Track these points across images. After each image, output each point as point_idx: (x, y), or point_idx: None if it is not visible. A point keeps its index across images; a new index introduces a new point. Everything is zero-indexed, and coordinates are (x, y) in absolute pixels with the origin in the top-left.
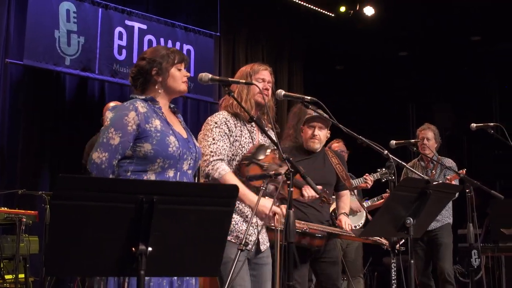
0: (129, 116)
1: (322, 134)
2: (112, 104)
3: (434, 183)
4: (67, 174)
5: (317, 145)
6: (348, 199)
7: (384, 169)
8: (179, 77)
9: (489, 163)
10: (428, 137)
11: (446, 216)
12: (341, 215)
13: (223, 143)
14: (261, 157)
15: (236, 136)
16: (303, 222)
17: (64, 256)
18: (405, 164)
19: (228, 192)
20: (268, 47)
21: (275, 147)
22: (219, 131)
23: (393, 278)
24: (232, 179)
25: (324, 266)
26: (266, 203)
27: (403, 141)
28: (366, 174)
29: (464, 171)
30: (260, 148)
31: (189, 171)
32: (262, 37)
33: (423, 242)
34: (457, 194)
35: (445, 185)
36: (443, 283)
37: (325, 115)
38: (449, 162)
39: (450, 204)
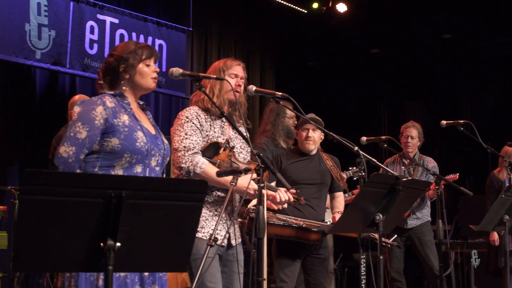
0: (96, 111)
1: (316, 135)
2: (77, 97)
3: (403, 179)
4: (34, 169)
5: (312, 146)
6: (342, 200)
7: (355, 168)
8: (147, 74)
9: (459, 160)
10: (412, 135)
11: (425, 214)
12: (335, 213)
13: (196, 137)
14: (212, 154)
15: (207, 131)
16: (299, 219)
17: (31, 252)
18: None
19: (197, 187)
20: (240, 42)
21: (232, 146)
22: (191, 126)
23: (363, 274)
24: (214, 170)
25: (315, 262)
26: (244, 181)
27: (373, 137)
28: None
29: (457, 176)
30: (213, 145)
31: (157, 168)
32: (234, 33)
33: (402, 239)
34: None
35: (414, 181)
36: (434, 279)
37: (316, 117)
38: (431, 161)
39: (428, 202)
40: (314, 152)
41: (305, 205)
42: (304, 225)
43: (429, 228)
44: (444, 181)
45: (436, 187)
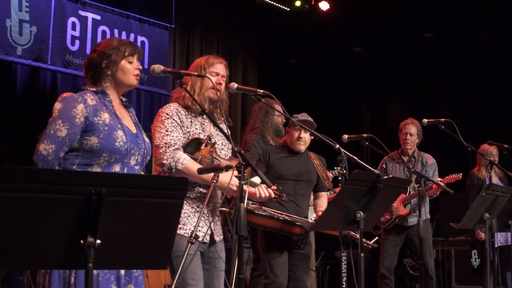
0: (77, 108)
1: (307, 136)
2: (66, 95)
3: (384, 177)
4: (11, 165)
5: (302, 147)
6: (326, 199)
7: (339, 167)
8: (129, 70)
9: (440, 158)
10: (412, 132)
11: (425, 211)
12: (319, 211)
13: (177, 134)
14: (193, 150)
15: (187, 128)
16: (283, 213)
17: (10, 249)
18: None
19: (178, 184)
20: (223, 40)
21: (214, 142)
22: (171, 122)
23: (344, 271)
24: (196, 166)
25: (297, 257)
26: (226, 177)
27: (355, 135)
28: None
29: (460, 176)
30: (194, 141)
31: (137, 167)
32: (217, 30)
33: (400, 237)
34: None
35: (395, 179)
36: (426, 278)
37: (309, 118)
38: (430, 158)
39: (428, 200)
40: (302, 150)
41: (289, 201)
42: (288, 219)
43: (428, 226)
44: (426, 179)
45: (417, 184)
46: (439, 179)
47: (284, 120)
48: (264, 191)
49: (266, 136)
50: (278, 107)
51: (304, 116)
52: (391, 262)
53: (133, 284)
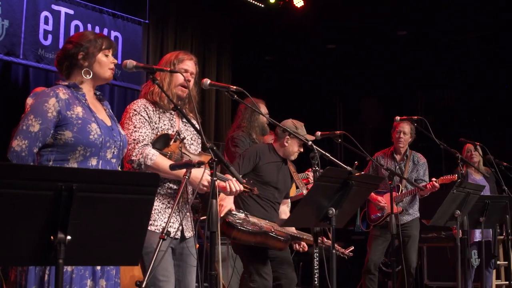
0: (49, 103)
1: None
2: (39, 89)
3: (356, 174)
4: None
5: (293, 158)
6: (289, 206)
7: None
8: (105, 63)
9: None
10: (405, 131)
11: (416, 210)
12: (282, 217)
13: (145, 130)
14: (162, 146)
15: (155, 124)
16: (270, 223)
17: None
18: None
19: (149, 180)
20: (197, 36)
21: (183, 137)
22: (139, 118)
23: (316, 268)
24: (165, 161)
25: (277, 252)
26: (197, 172)
27: (328, 132)
28: (309, 169)
29: (455, 177)
30: (163, 137)
31: (113, 160)
32: (191, 26)
33: (389, 235)
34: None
35: (367, 176)
36: (408, 276)
37: (297, 123)
38: (421, 158)
39: (418, 198)
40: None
41: (271, 208)
42: (273, 234)
43: (417, 224)
44: (400, 177)
45: (389, 181)
46: (434, 179)
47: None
48: (234, 185)
49: (252, 135)
50: (263, 108)
51: (310, 137)
52: (379, 259)
53: (104, 279)
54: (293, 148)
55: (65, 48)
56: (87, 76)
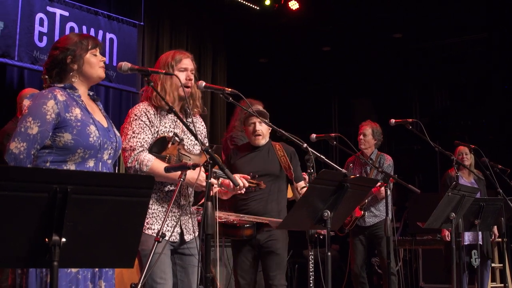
0: (48, 105)
1: (264, 128)
2: (28, 90)
3: (351, 176)
4: None
5: (262, 140)
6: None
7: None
8: (95, 63)
9: (408, 158)
10: (365, 133)
11: (383, 211)
12: None
13: (144, 135)
14: (159, 149)
15: (157, 127)
16: (235, 215)
17: None
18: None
19: (143, 182)
20: (192, 38)
21: (181, 138)
22: (139, 123)
23: (311, 270)
24: (161, 165)
25: (265, 256)
26: (194, 174)
27: (323, 135)
28: (303, 173)
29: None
30: (159, 140)
31: (109, 161)
32: (186, 29)
33: (364, 236)
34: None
35: (362, 178)
36: (388, 274)
37: (260, 108)
38: (387, 159)
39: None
40: (264, 144)
41: (253, 198)
42: (236, 223)
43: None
44: (393, 179)
45: (385, 184)
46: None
47: None
48: (242, 180)
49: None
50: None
51: (255, 107)
52: (362, 259)
53: (103, 280)
54: (249, 132)
55: (52, 54)
56: (78, 78)
